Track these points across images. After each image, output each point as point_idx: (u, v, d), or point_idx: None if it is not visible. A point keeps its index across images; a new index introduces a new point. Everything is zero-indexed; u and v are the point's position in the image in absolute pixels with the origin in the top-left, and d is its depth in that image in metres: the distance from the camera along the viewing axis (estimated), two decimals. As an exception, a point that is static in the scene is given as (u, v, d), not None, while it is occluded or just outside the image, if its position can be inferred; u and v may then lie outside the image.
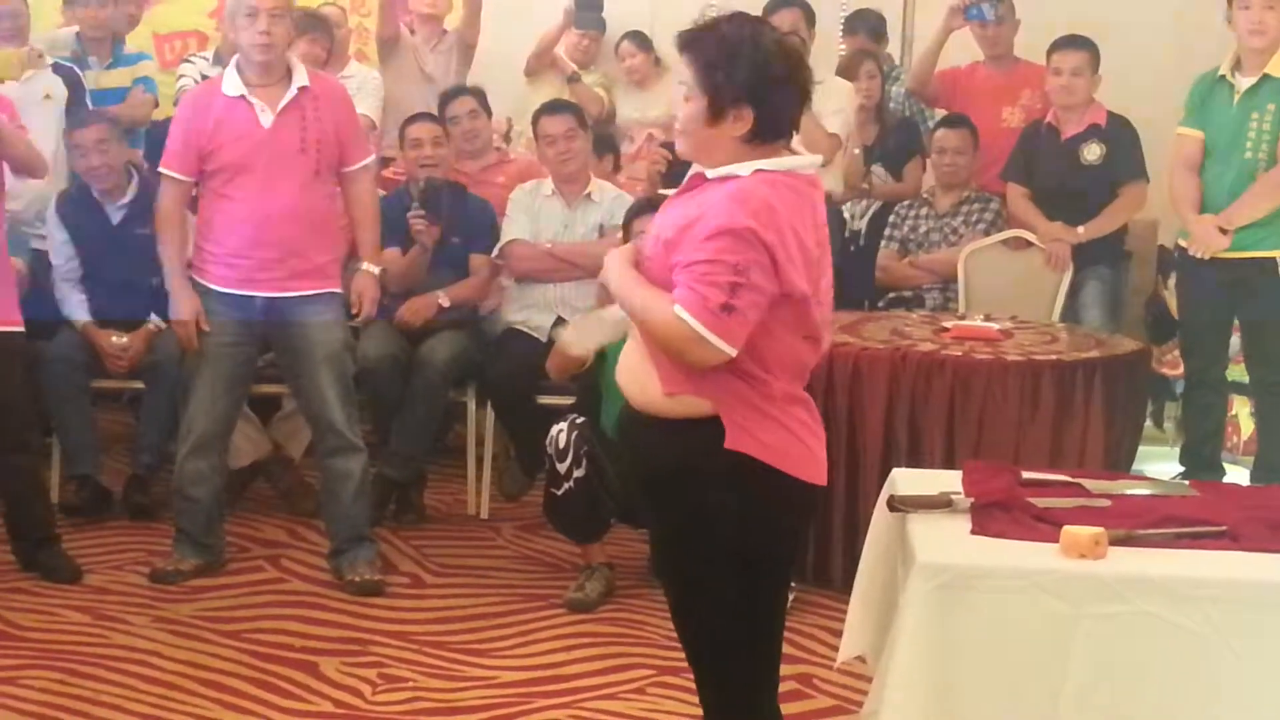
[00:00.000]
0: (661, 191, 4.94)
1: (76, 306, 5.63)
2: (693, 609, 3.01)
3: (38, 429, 5.24)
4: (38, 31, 6.45)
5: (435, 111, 6.31)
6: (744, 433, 2.87)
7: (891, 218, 6.57)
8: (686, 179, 2.99)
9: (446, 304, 5.69)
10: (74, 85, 5.97)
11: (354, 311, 5.05)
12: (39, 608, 4.76)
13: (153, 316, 5.60)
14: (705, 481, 2.88)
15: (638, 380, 2.96)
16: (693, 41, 2.88)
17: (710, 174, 2.89)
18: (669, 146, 5.97)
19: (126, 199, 5.65)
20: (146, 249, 5.58)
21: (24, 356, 5.10)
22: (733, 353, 2.81)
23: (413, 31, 7.16)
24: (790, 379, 2.93)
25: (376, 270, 5.10)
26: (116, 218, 5.65)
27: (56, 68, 5.97)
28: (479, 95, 6.42)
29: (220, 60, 6.35)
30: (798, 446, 2.92)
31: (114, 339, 5.58)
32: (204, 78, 6.16)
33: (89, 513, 5.53)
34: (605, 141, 6.68)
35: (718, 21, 2.91)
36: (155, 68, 7.08)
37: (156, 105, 6.72)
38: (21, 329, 4.98)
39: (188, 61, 6.81)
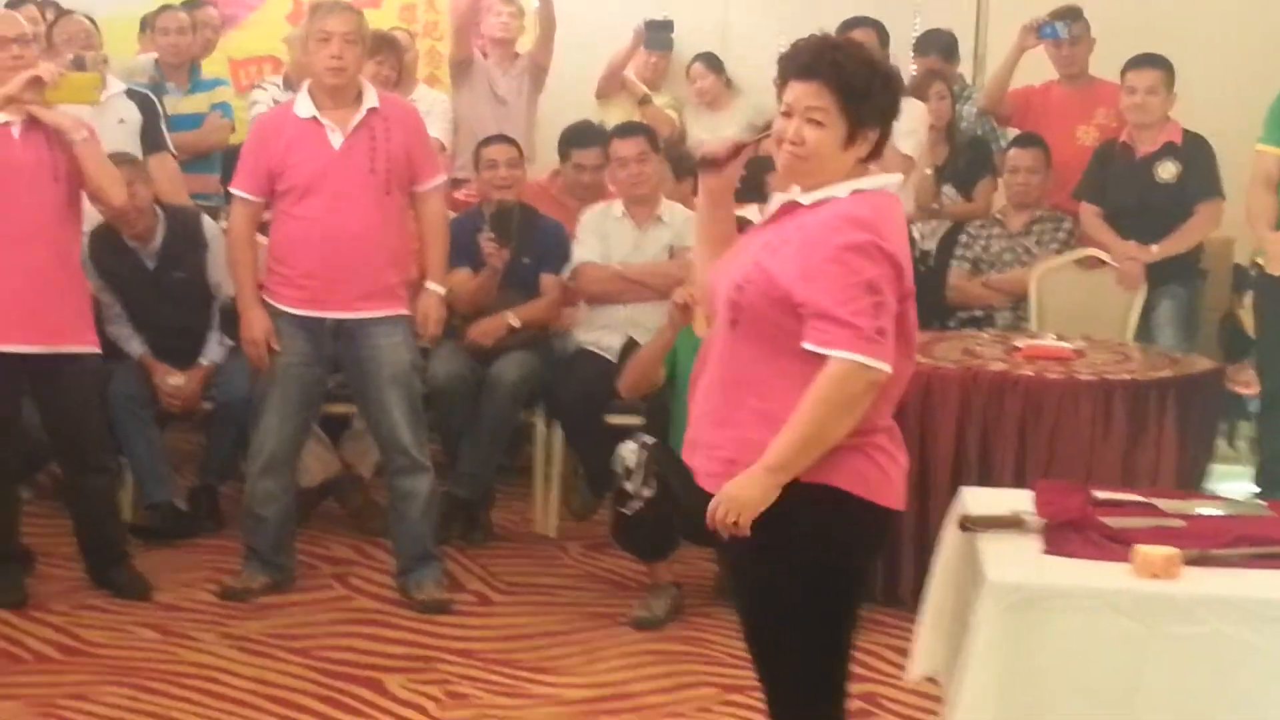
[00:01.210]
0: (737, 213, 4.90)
1: (129, 340, 5.62)
2: (768, 631, 2.98)
3: (111, 449, 5.27)
4: (115, 60, 6.53)
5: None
6: (823, 462, 2.86)
7: (963, 237, 6.53)
8: (776, 207, 2.96)
9: (517, 325, 5.69)
10: (148, 110, 6.02)
11: (419, 332, 5.06)
12: (110, 625, 4.80)
13: (208, 351, 5.63)
14: (784, 507, 2.85)
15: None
16: (832, 66, 2.85)
17: (805, 200, 2.88)
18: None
19: (158, 243, 5.59)
20: (188, 293, 5.62)
21: (98, 378, 5.14)
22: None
23: (485, 55, 7.20)
24: (889, 402, 2.91)
25: (442, 291, 5.11)
26: (151, 263, 5.61)
27: (130, 93, 6.01)
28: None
29: (290, 85, 6.42)
30: (876, 472, 2.91)
31: (170, 379, 5.57)
32: (276, 103, 6.23)
33: (167, 536, 5.55)
34: (685, 164, 6.63)
35: (839, 46, 2.90)
36: (232, 93, 7.18)
37: (234, 130, 6.80)
38: (97, 350, 5.02)
39: (259, 88, 6.88)
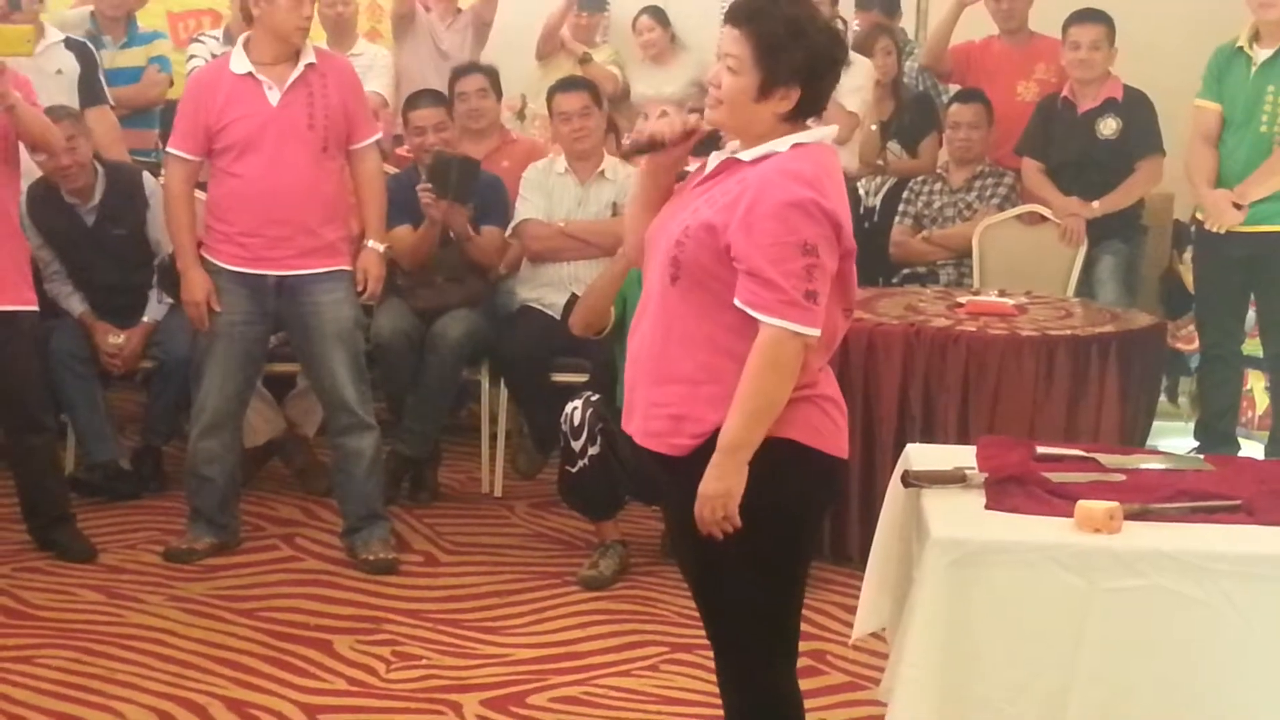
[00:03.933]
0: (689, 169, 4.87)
1: (69, 298, 5.59)
2: (719, 587, 2.97)
3: (51, 408, 5.23)
4: (52, 12, 6.44)
5: (447, 89, 6.27)
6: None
7: (906, 193, 6.55)
8: (715, 164, 2.93)
9: (468, 215, 5.60)
10: (87, 61, 5.93)
11: (359, 290, 5.04)
12: (54, 587, 4.77)
13: (150, 309, 5.59)
14: None
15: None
16: (754, 17, 2.84)
17: (746, 156, 2.86)
18: (698, 112, 5.92)
19: (96, 200, 5.54)
20: (128, 250, 5.58)
21: (36, 336, 5.09)
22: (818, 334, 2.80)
23: (428, 9, 7.13)
24: (825, 352, 2.92)
25: (381, 248, 5.08)
26: (90, 220, 5.56)
27: (69, 43, 5.93)
28: (491, 75, 6.34)
29: (230, 38, 6.33)
30: (825, 422, 2.91)
31: (110, 338, 5.53)
32: (214, 57, 6.15)
33: (109, 495, 5.52)
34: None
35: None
36: (170, 46, 7.09)
37: (171, 84, 6.73)
38: (35, 308, 4.97)
39: (198, 41, 6.81)
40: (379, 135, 5.21)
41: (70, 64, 5.87)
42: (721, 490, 2.81)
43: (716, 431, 2.84)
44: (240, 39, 4.94)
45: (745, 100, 2.85)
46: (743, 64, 2.84)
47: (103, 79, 6.02)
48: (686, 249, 2.84)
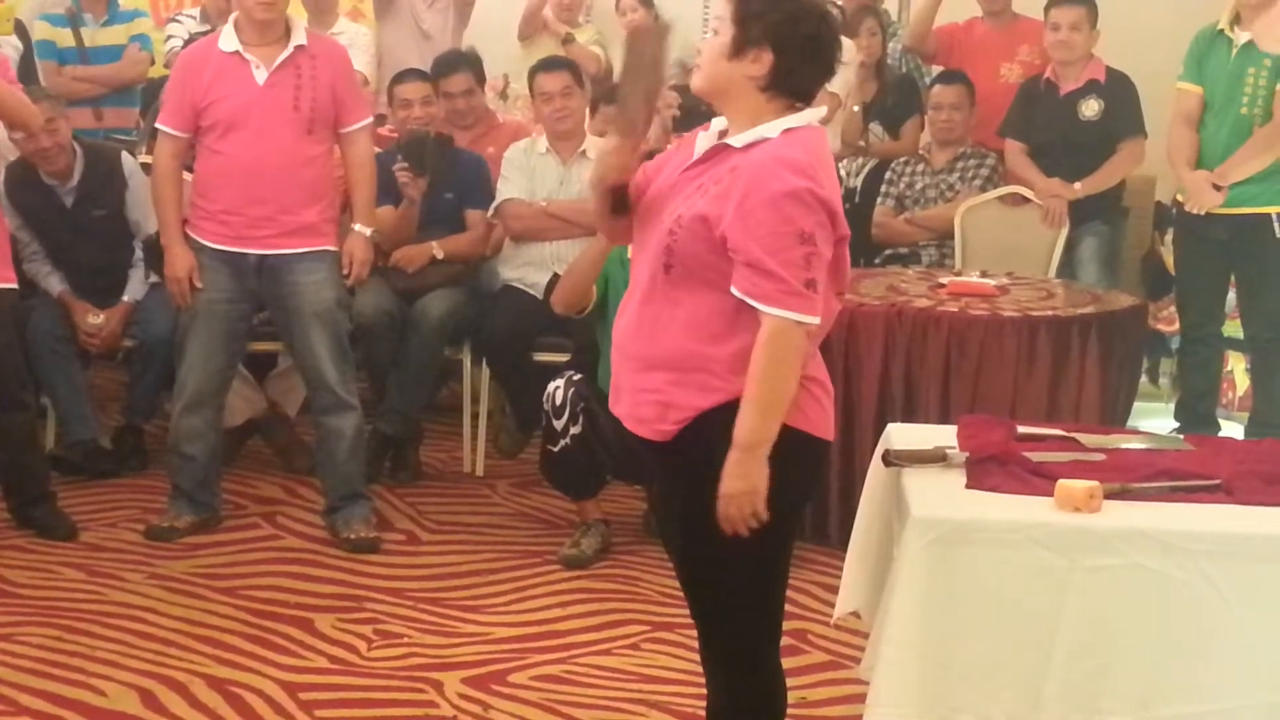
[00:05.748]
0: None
1: (48, 278, 5.56)
2: (709, 567, 2.97)
3: (31, 386, 5.21)
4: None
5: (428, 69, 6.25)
6: None
7: (888, 174, 6.55)
8: (705, 147, 2.92)
9: (440, 255, 5.65)
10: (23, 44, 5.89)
11: (345, 273, 5.03)
12: (34, 565, 4.76)
13: (130, 289, 5.57)
14: (726, 443, 2.83)
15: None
16: None
17: (736, 142, 2.85)
18: (679, 90, 5.92)
19: (75, 180, 5.51)
20: (108, 231, 5.56)
21: (16, 314, 5.08)
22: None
23: (410, -12, 7.11)
24: (818, 336, 2.92)
25: (368, 232, 5.08)
26: (69, 200, 5.53)
27: None
28: (474, 67, 6.29)
29: (206, 18, 6.31)
30: (814, 405, 2.91)
31: (90, 318, 5.51)
32: (191, 35, 6.13)
33: (90, 474, 5.52)
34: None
35: None
36: (151, 25, 7.07)
37: (153, 63, 6.70)
38: (14, 286, 4.96)
39: (175, 21, 6.79)
40: (370, 120, 5.18)
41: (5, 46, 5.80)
42: (746, 488, 2.80)
43: (700, 415, 2.85)
44: (231, 17, 4.93)
45: (719, 59, 2.85)
46: (724, 22, 2.85)
47: (35, 59, 5.95)
48: (680, 239, 2.83)
